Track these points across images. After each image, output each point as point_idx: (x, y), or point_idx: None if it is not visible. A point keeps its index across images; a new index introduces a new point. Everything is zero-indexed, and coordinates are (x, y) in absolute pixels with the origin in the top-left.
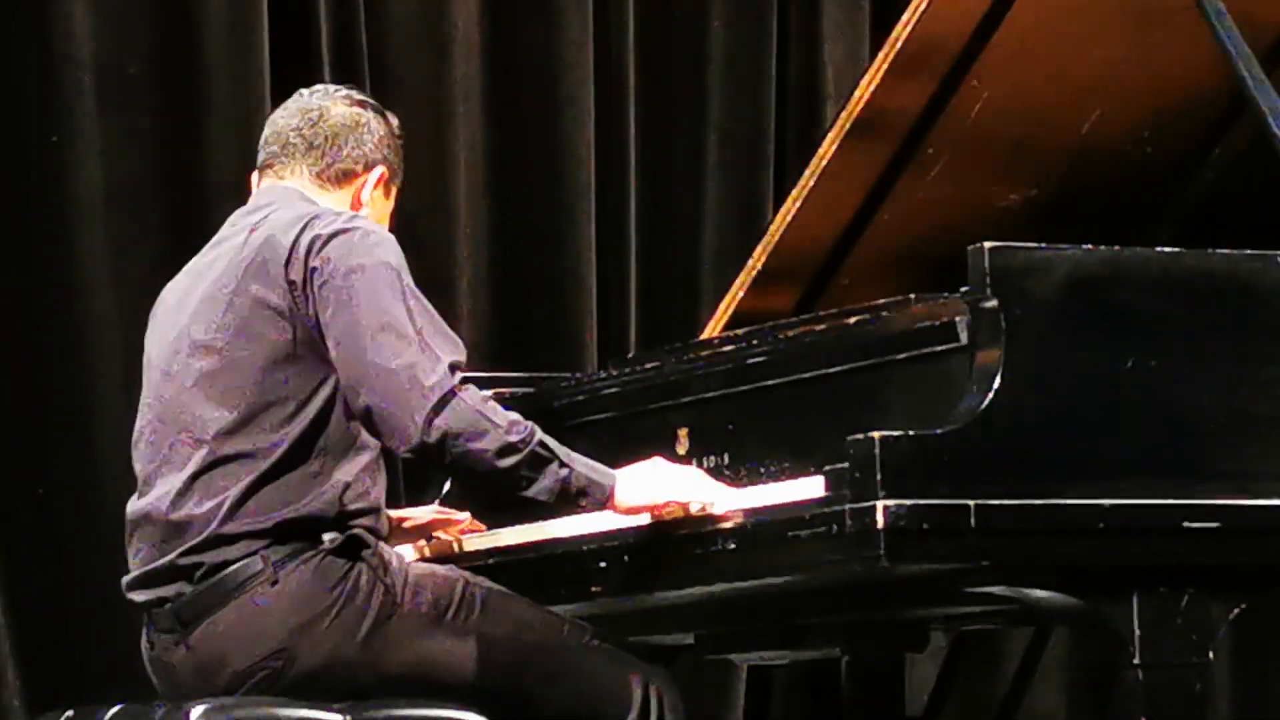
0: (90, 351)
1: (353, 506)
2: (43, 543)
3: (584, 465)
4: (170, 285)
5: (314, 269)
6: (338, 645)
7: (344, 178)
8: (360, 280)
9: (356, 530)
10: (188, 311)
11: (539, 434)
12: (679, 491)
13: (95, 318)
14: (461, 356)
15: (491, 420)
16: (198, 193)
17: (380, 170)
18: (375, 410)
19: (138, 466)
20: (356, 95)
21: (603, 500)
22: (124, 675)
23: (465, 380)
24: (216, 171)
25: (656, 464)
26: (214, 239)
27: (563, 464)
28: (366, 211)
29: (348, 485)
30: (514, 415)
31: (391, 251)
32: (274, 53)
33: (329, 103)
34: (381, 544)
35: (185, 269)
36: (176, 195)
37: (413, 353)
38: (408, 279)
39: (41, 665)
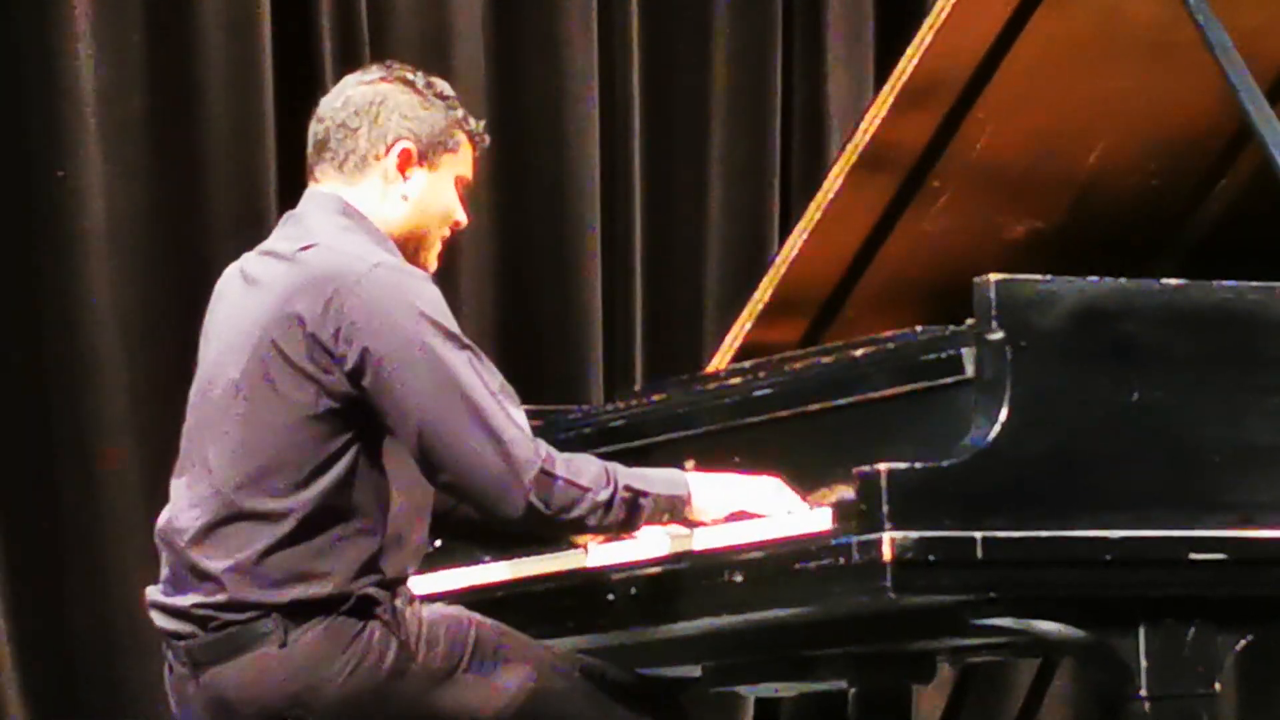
0: (93, 386)
1: (372, 581)
2: (48, 573)
3: (661, 485)
4: (228, 279)
5: (365, 349)
6: (351, 702)
7: (363, 165)
8: (420, 354)
9: (370, 591)
10: (231, 336)
11: (619, 477)
12: (751, 503)
13: (99, 351)
14: (518, 402)
15: (582, 486)
16: (200, 226)
17: (403, 146)
18: (463, 491)
19: (172, 484)
20: (383, 71)
21: (681, 515)
22: (126, 708)
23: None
24: (218, 205)
25: (729, 477)
26: (264, 245)
27: (644, 494)
28: (397, 194)
29: (368, 558)
30: (594, 467)
31: (436, 306)
32: (276, 89)
33: (354, 87)
34: (397, 597)
35: (242, 263)
36: (178, 228)
37: (497, 428)
38: (461, 334)
39: (44, 692)
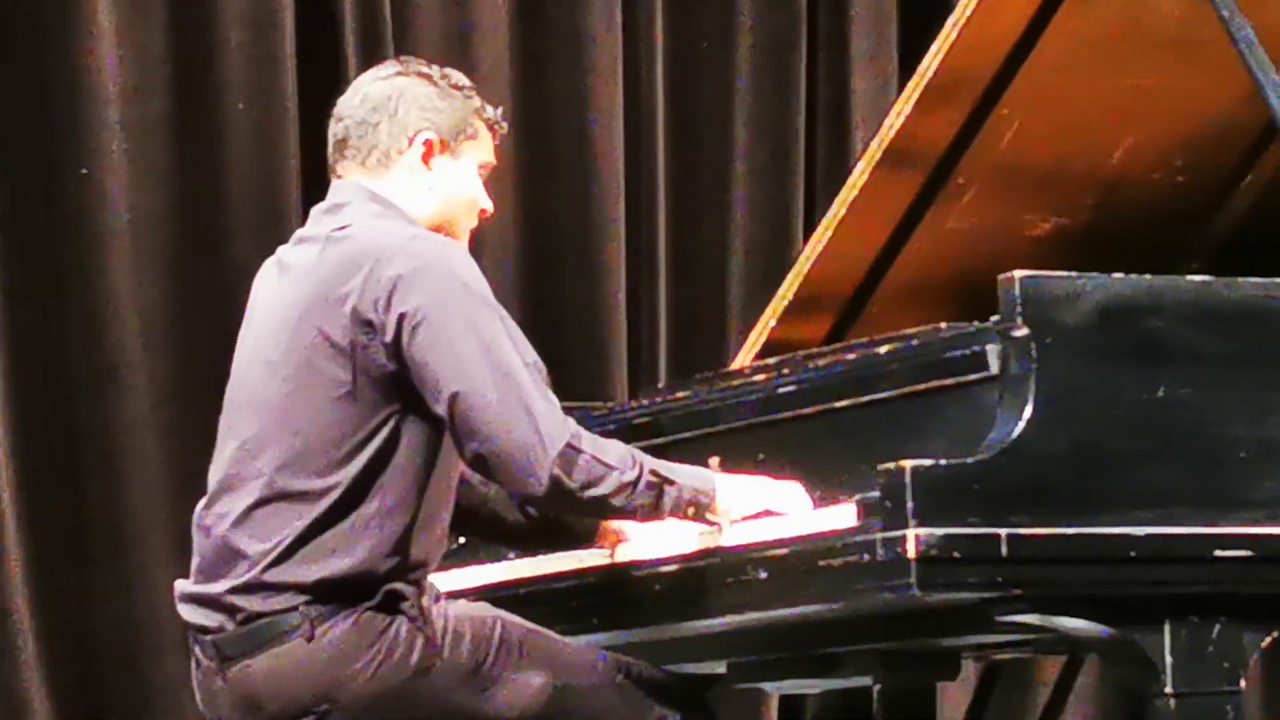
0: (117, 385)
1: (400, 563)
2: (73, 571)
3: (687, 478)
4: (264, 271)
5: (403, 314)
6: (377, 697)
7: (387, 159)
8: (458, 318)
9: (397, 585)
10: (269, 320)
11: (647, 462)
12: (776, 504)
13: (122, 351)
14: (548, 380)
15: (608, 464)
16: (222, 225)
17: (425, 137)
18: (491, 460)
19: (210, 471)
20: (401, 65)
21: (706, 508)
22: (151, 705)
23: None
24: (240, 204)
25: (755, 477)
26: (298, 234)
27: (670, 482)
28: (423, 183)
29: (399, 539)
30: (620, 448)
31: (475, 277)
32: (299, 88)
33: (370, 84)
34: (424, 594)
35: (277, 256)
36: (201, 227)
37: (529, 399)
38: (499, 306)
39: (71, 695)
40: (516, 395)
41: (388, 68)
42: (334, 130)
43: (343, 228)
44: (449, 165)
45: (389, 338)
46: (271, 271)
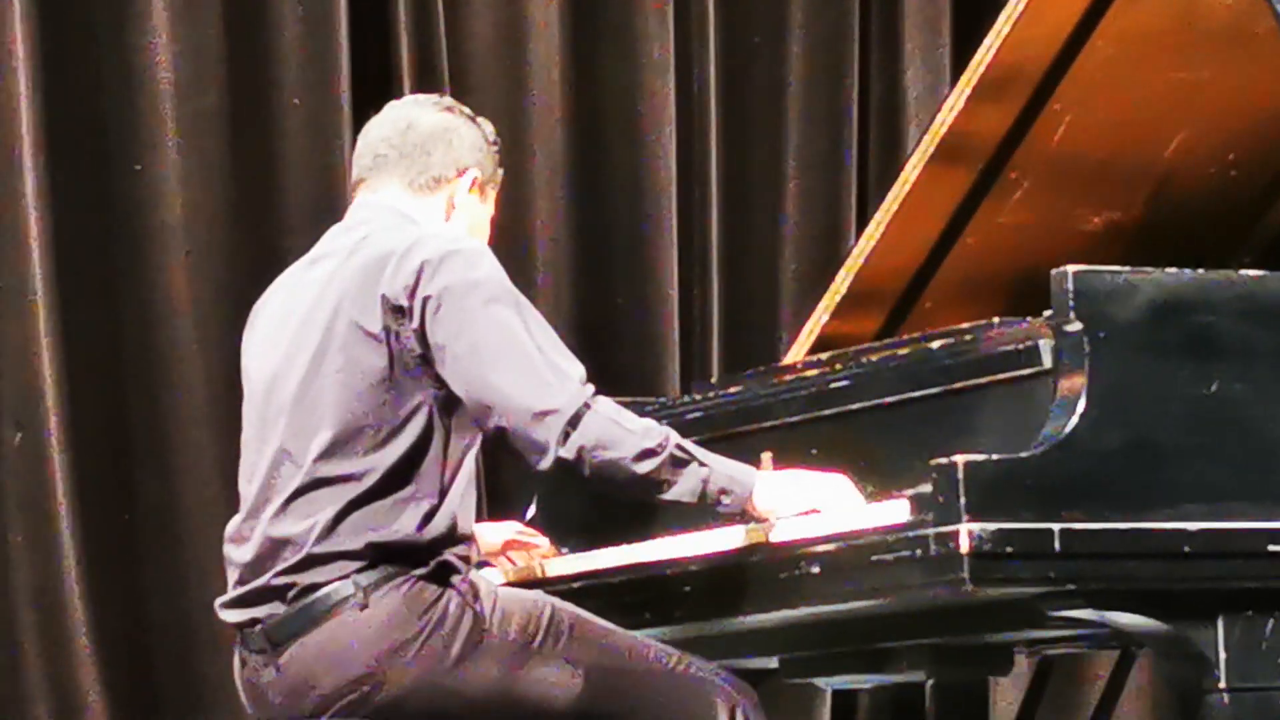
0: (171, 380)
1: (444, 533)
2: (127, 567)
3: (723, 465)
4: (264, 299)
5: (427, 297)
6: (425, 671)
7: (435, 184)
8: (477, 302)
9: (447, 557)
10: (287, 331)
11: (675, 436)
12: (820, 502)
13: (176, 346)
14: (582, 369)
15: (626, 427)
16: (275, 220)
17: (473, 174)
18: (510, 431)
19: (240, 484)
20: (446, 102)
21: (743, 500)
22: (205, 700)
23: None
24: (294, 199)
25: (799, 474)
26: (310, 255)
27: (701, 464)
28: (461, 216)
29: (439, 512)
30: (648, 420)
31: (498, 269)
32: (352, 84)
33: (418, 111)
34: (472, 570)
35: (279, 283)
36: (255, 223)
37: (540, 370)
38: (519, 295)
39: (125, 689)
40: (530, 370)
41: (432, 103)
42: (375, 146)
43: (363, 238)
44: (478, 206)
45: (416, 323)
46: (276, 296)
